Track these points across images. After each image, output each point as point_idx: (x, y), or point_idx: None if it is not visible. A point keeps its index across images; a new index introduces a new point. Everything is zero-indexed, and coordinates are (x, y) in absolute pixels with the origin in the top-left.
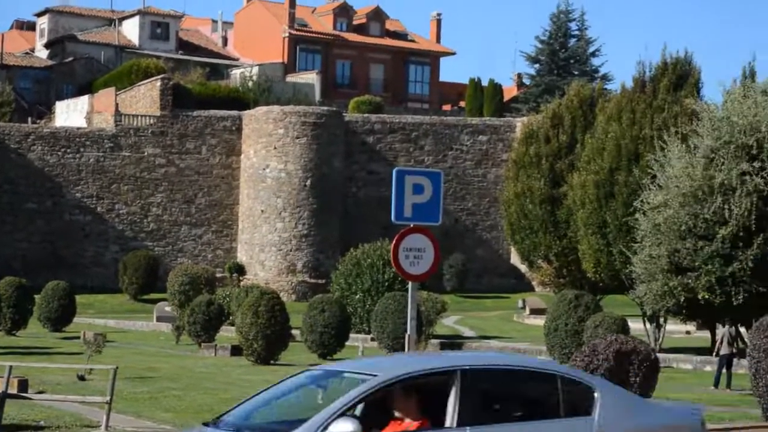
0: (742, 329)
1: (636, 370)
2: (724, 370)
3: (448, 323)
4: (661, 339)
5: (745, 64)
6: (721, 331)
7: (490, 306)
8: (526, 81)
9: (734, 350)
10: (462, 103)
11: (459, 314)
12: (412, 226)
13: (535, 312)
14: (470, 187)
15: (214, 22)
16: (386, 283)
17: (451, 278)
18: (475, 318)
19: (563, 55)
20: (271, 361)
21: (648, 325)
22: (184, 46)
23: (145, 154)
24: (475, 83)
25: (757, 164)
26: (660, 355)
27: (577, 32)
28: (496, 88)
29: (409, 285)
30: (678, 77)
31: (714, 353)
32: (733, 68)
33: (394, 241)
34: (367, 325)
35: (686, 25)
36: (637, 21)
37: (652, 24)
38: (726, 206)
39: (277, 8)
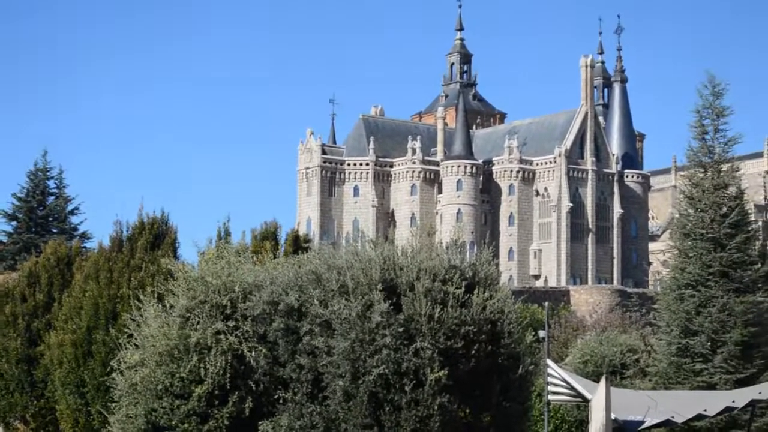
0: None
1: None
2: None
3: None
4: None
5: (221, 225)
6: None
7: None
8: (3, 238)
9: None
10: None
11: None
12: None
13: None
14: None
15: None
16: None
17: None
18: None
19: (41, 212)
20: None
21: None
22: None
23: None
24: None
25: (231, 323)
26: None
27: (55, 190)
28: None
29: None
30: (155, 237)
31: None
32: (210, 228)
33: None
34: None
35: (165, 185)
36: (116, 179)
37: (131, 182)
38: (202, 365)
39: None
